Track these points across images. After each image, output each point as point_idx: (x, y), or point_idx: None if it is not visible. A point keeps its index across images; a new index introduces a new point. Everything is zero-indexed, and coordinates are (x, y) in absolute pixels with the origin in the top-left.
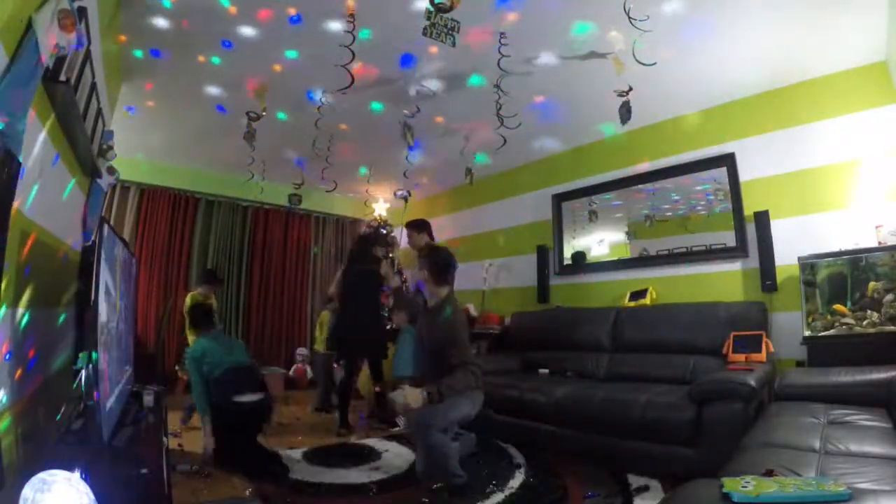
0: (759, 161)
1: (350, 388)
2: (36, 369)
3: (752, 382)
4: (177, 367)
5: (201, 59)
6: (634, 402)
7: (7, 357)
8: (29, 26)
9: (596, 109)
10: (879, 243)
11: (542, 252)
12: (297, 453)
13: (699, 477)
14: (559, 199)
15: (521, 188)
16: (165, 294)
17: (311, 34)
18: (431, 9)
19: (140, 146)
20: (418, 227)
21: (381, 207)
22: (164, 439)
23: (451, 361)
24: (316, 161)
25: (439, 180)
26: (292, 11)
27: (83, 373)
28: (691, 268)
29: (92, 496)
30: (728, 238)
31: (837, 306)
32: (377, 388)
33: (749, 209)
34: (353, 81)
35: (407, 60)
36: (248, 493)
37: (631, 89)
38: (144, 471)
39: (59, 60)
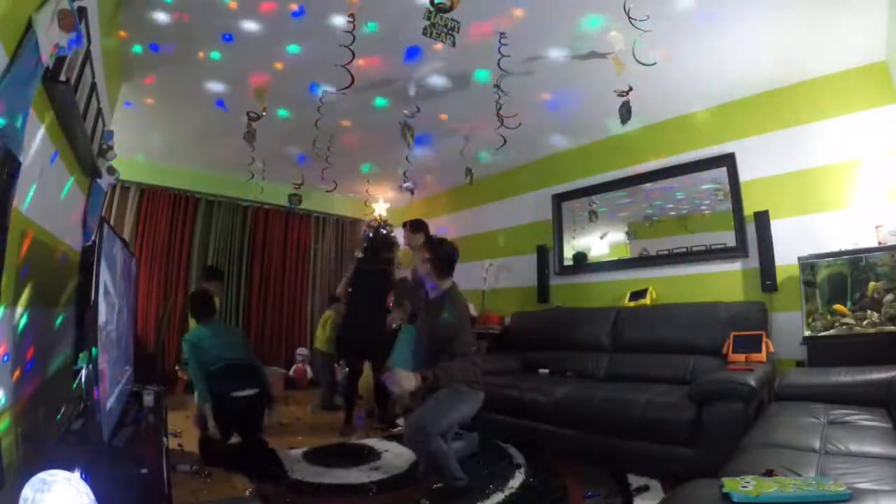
0: (759, 161)
1: (354, 389)
2: (35, 369)
3: (752, 382)
4: (177, 367)
5: (201, 54)
6: (634, 402)
7: (6, 357)
8: (29, 26)
9: (596, 109)
10: (879, 243)
11: (542, 252)
12: (297, 453)
13: (699, 477)
14: (559, 199)
15: (521, 188)
16: (165, 294)
17: (314, 28)
18: (431, 9)
19: (140, 146)
20: (416, 227)
21: (381, 207)
22: (164, 439)
23: (452, 353)
24: (316, 161)
25: (439, 180)
26: (294, 7)
27: (83, 373)
28: (691, 268)
29: (92, 496)
30: (728, 238)
31: (837, 306)
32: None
33: (749, 209)
34: (353, 81)
35: (413, 53)
36: (248, 493)
37: (631, 89)
38: (144, 471)
39: (59, 60)
